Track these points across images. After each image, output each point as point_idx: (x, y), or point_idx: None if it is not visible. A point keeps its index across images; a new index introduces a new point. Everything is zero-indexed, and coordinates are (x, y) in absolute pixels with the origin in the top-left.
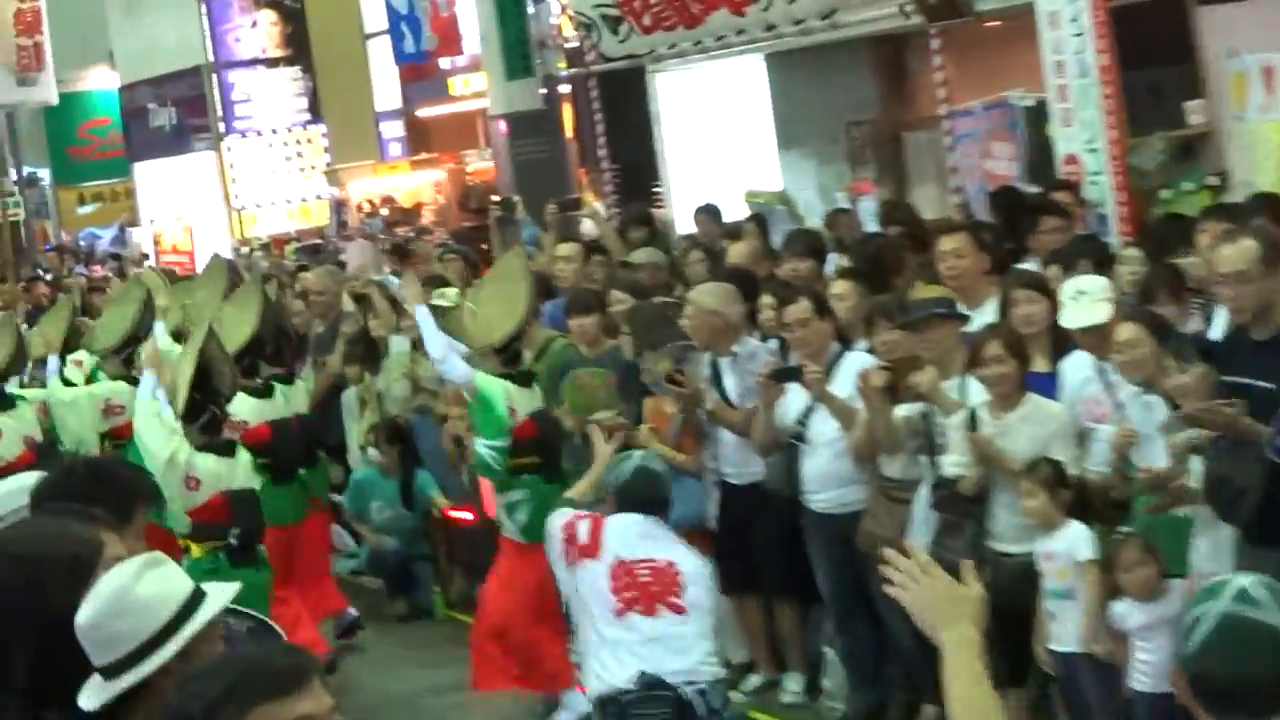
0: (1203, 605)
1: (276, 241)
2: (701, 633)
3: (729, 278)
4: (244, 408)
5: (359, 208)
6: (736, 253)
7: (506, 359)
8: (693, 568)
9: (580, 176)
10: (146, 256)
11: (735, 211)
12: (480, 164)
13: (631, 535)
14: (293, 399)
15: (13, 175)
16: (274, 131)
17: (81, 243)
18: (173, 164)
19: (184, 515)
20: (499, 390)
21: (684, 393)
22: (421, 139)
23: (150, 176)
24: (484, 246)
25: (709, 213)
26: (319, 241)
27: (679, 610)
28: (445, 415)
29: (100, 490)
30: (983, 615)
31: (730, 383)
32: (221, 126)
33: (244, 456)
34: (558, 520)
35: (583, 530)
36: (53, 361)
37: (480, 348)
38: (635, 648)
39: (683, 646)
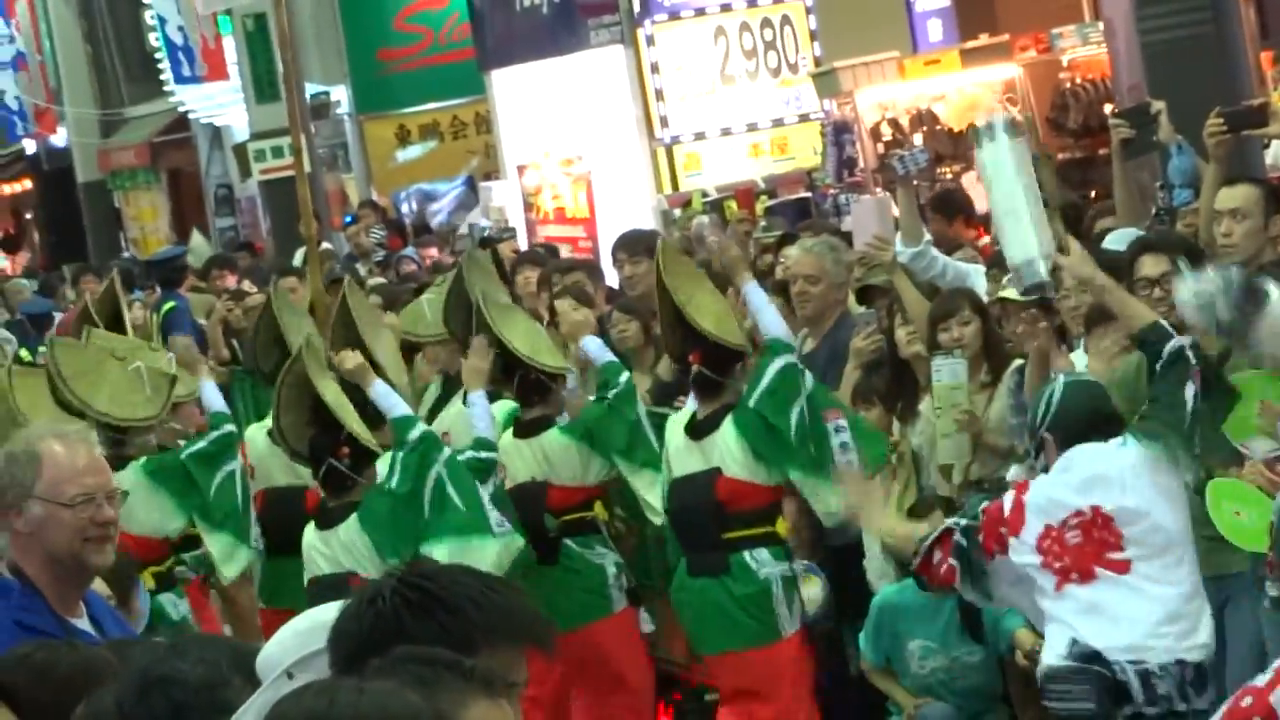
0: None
1: (740, 194)
2: (1156, 594)
3: None
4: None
5: (874, 133)
6: None
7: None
8: (1138, 499)
9: (1264, 65)
10: (508, 230)
11: None
12: (1083, 50)
13: (1060, 486)
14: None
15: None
16: (724, 8)
17: (403, 209)
18: (555, 70)
19: None
20: None
21: None
22: (979, 13)
23: (517, 93)
24: (1089, 194)
25: None
26: (807, 195)
27: (1120, 568)
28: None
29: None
30: None
31: None
32: (638, 2)
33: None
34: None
35: (1007, 506)
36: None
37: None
38: (1072, 618)
39: (1126, 613)
